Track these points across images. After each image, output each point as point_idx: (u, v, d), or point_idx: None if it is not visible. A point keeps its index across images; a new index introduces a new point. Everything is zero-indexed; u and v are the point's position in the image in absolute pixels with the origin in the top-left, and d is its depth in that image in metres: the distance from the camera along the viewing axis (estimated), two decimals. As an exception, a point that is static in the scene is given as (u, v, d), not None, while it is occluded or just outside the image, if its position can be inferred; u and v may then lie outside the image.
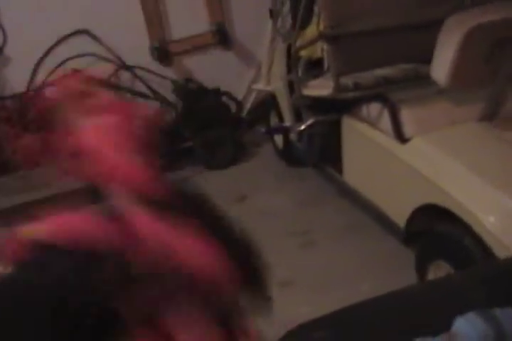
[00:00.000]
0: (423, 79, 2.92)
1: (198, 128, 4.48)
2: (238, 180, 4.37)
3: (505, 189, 2.35)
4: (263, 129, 4.31)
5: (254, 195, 4.14)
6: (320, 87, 3.32)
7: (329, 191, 3.83)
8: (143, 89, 4.63)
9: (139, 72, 4.62)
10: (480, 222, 2.32)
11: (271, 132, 4.37)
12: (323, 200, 3.92)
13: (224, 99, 4.67)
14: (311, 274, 3.24)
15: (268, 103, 4.37)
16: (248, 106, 4.81)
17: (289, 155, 4.26)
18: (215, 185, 4.21)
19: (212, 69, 4.69)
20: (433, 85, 2.82)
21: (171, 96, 4.65)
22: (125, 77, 4.64)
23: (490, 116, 2.87)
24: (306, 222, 3.76)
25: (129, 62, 4.55)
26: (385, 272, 3.08)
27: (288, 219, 3.81)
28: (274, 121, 4.31)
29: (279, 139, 4.35)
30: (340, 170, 3.43)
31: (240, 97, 4.79)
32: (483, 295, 1.06)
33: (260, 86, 4.37)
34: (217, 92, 4.55)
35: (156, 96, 4.62)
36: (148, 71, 4.59)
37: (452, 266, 2.49)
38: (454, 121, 2.83)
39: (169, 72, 4.69)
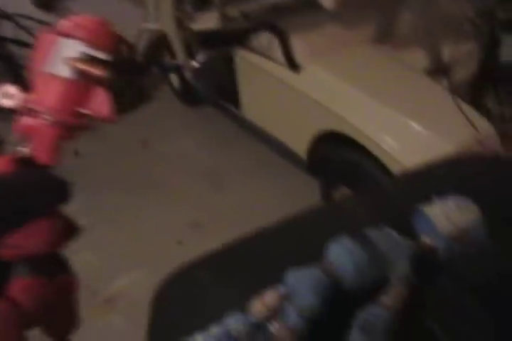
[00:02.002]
0: (313, 5, 2.83)
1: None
2: (140, 125, 4.24)
3: (400, 109, 2.33)
4: (155, 69, 4.15)
5: (158, 139, 4.03)
6: (207, 20, 3.19)
7: (234, 130, 3.76)
8: (28, 38, 4.38)
9: (21, 21, 4.36)
10: (377, 144, 2.30)
11: (164, 71, 4.21)
12: (229, 140, 3.86)
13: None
14: (221, 214, 3.21)
15: (160, 42, 4.19)
16: (141, 48, 4.61)
17: (187, 95, 4.15)
18: (116, 132, 4.09)
19: (100, 13, 4.45)
20: (324, 10, 2.74)
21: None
22: (8, 27, 4.39)
23: (383, 37, 2.83)
24: (213, 162, 3.70)
25: (11, 11, 4.28)
26: (296, 206, 3.06)
27: (194, 161, 3.74)
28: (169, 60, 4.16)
29: (176, 80, 4.22)
30: (238, 106, 3.34)
31: (130, 40, 4.59)
32: (370, 218, 1.01)
33: (149, 25, 4.17)
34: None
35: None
36: (31, 19, 4.33)
37: (354, 191, 2.48)
38: (348, 45, 2.78)
39: (54, 19, 4.42)
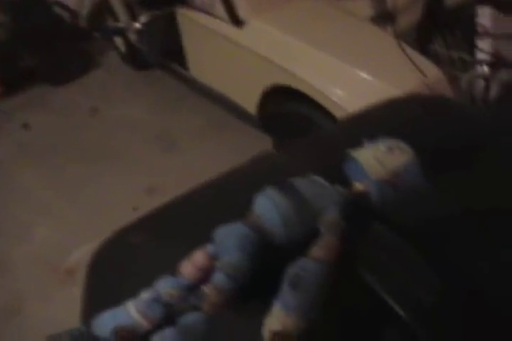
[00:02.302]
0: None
1: (35, 45, 4.15)
2: (87, 92, 4.12)
3: (346, 58, 2.29)
4: (98, 34, 4.05)
5: (107, 105, 3.93)
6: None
7: (183, 92, 3.68)
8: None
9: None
10: (326, 95, 2.26)
11: (107, 34, 4.10)
12: (178, 102, 3.78)
13: (56, 10, 4.32)
14: (176, 177, 3.15)
15: (102, 6, 4.07)
16: (84, 13, 4.47)
17: (133, 58, 4.04)
18: (64, 101, 3.98)
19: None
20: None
21: (-3, 14, 4.25)
22: None
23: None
24: (164, 126, 3.63)
25: None
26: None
27: (145, 126, 3.67)
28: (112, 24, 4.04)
29: (121, 45, 4.10)
30: (186, 67, 3.26)
31: (72, 5, 4.43)
32: (302, 168, 0.97)
33: None
34: (44, 2, 4.19)
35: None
36: None
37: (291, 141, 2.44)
38: (290, -2, 2.70)
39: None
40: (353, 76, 2.24)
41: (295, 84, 2.38)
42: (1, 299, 2.69)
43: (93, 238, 2.99)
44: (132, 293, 0.85)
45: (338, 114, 2.22)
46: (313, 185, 0.78)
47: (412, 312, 0.72)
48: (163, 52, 3.43)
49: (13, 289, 2.73)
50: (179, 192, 2.89)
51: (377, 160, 0.80)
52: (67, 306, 2.55)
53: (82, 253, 2.96)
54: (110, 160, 3.40)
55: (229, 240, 0.76)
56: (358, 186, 0.81)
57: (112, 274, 1.00)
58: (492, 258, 0.78)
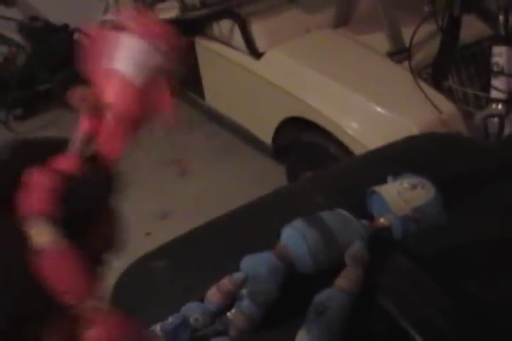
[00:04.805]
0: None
1: (53, 69, 4.22)
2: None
3: (362, 92, 2.33)
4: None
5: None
6: (168, 10, 3.15)
7: (196, 117, 3.73)
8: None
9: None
10: (341, 128, 2.29)
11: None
12: (192, 126, 3.82)
13: (77, 36, 4.40)
14: (189, 203, 3.18)
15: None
16: (103, 39, 4.55)
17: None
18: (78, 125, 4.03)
19: (58, 5, 4.39)
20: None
21: (18, 38, 4.34)
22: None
23: (343, 20, 2.82)
24: (177, 150, 3.66)
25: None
26: (263, 192, 3.05)
27: (159, 149, 3.70)
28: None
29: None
30: (202, 95, 3.31)
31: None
32: (326, 201, 1.00)
33: (110, 16, 4.12)
34: (66, 29, 4.28)
35: (3, 40, 4.30)
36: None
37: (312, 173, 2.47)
38: (308, 29, 2.76)
39: (12, 12, 4.35)
40: (369, 110, 2.28)
41: (311, 116, 2.42)
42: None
43: (105, 262, 3.02)
44: (156, 317, 0.88)
45: (353, 146, 2.26)
46: (339, 218, 0.82)
47: (430, 338, 0.74)
48: (179, 81, 3.48)
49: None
50: (192, 217, 2.93)
51: (401, 196, 0.83)
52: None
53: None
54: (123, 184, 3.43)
55: (258, 268, 0.79)
56: (382, 220, 0.84)
57: (134, 299, 1.03)
58: (510, 288, 0.81)
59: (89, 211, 0.72)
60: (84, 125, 0.78)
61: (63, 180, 0.68)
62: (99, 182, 0.74)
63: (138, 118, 0.80)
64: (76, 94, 0.77)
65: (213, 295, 0.84)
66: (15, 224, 0.63)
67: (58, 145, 0.75)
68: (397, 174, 0.90)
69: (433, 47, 2.42)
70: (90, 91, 0.76)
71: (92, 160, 0.75)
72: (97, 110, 0.75)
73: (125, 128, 0.78)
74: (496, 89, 2.14)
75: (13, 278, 0.63)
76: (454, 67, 2.48)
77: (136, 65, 0.74)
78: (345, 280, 0.76)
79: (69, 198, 0.67)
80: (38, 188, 0.65)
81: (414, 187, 0.85)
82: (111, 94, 0.75)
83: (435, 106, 2.16)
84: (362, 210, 0.87)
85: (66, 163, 0.73)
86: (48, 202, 0.64)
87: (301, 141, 2.65)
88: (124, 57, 0.75)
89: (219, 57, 2.94)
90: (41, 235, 0.62)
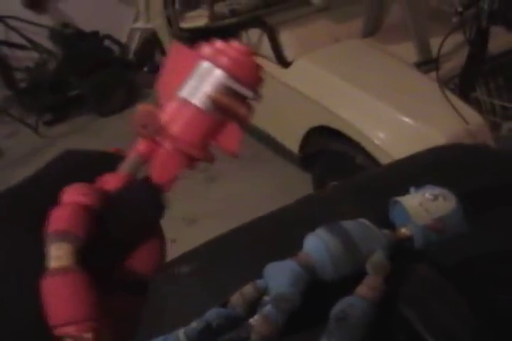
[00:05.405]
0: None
1: (84, 75, 4.30)
2: (130, 122, 4.23)
3: (390, 102, 2.34)
4: (146, 68, 4.18)
5: (152, 136, 4.02)
6: (197, 18, 3.19)
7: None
8: (19, 40, 4.39)
9: (11, 23, 4.36)
10: (368, 138, 2.30)
11: (153, 69, 4.23)
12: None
13: (107, 42, 4.48)
14: (216, 209, 3.21)
15: (152, 41, 4.21)
16: (133, 47, 4.62)
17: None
18: (112, 130, 4.09)
19: (89, 12, 4.47)
20: (312, 4, 2.75)
21: (49, 45, 4.42)
22: (-2, 29, 4.39)
23: (371, 30, 2.84)
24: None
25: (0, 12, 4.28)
26: (289, 199, 3.06)
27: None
28: (159, 59, 4.18)
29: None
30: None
31: (123, 39, 4.59)
32: (351, 207, 1.02)
33: (140, 24, 4.19)
34: (96, 36, 4.35)
35: (34, 46, 4.39)
36: (21, 20, 4.33)
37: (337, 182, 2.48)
38: (337, 39, 2.78)
39: (44, 19, 4.45)
40: (397, 120, 2.29)
41: (338, 126, 2.43)
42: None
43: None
44: (179, 322, 0.89)
45: (380, 156, 2.27)
46: (361, 228, 0.83)
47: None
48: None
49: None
50: (218, 224, 2.96)
51: (422, 206, 0.84)
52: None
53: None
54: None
55: (281, 275, 0.80)
56: (404, 230, 0.85)
57: (157, 306, 1.05)
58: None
59: (129, 234, 0.71)
60: (141, 147, 0.77)
61: (104, 199, 0.67)
62: (146, 205, 0.73)
63: (198, 155, 0.79)
64: (140, 117, 0.76)
65: (236, 301, 0.85)
66: (38, 243, 0.60)
67: (109, 162, 0.74)
68: (420, 184, 0.90)
69: (461, 58, 2.43)
70: (155, 114, 0.75)
71: (142, 183, 0.74)
72: (157, 134, 0.75)
73: (182, 161, 0.77)
74: None
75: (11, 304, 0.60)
76: (481, 78, 2.49)
77: (214, 102, 0.72)
78: (366, 288, 0.77)
79: (109, 219, 0.66)
80: (68, 206, 0.62)
81: (436, 197, 0.85)
82: (178, 125, 0.74)
83: (462, 117, 2.16)
84: (385, 220, 0.88)
85: (113, 181, 0.71)
86: (74, 220, 0.61)
87: (328, 151, 2.66)
88: (203, 90, 0.72)
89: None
90: (54, 256, 0.59)
